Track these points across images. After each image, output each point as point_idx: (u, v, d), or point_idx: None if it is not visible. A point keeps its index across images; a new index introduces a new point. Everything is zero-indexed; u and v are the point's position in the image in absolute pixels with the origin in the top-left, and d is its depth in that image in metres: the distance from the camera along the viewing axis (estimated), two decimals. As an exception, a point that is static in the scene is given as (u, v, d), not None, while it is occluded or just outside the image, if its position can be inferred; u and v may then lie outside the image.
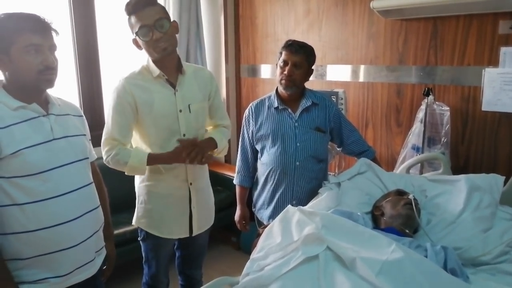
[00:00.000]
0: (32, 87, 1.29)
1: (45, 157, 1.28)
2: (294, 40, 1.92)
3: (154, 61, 1.66)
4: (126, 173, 1.72)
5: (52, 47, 1.30)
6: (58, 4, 2.66)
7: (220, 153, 1.84)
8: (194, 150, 1.63)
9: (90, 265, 1.43)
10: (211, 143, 1.76)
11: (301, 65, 1.87)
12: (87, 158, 1.46)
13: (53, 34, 1.30)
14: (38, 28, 1.25)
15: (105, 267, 1.58)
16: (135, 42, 1.64)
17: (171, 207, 1.76)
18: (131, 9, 1.57)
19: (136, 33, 1.57)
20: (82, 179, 1.41)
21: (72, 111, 1.47)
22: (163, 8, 1.63)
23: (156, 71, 1.65)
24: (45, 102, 1.36)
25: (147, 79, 1.66)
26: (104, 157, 1.67)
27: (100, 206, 1.50)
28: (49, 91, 1.38)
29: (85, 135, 1.48)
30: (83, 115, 1.53)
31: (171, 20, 1.63)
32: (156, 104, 1.65)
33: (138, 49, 1.66)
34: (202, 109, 1.78)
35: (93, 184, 1.48)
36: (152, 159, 1.66)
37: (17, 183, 1.25)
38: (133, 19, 1.58)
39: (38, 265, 1.30)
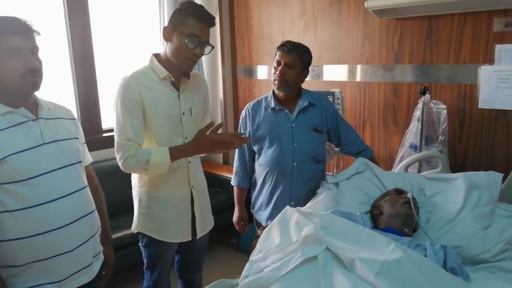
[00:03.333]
0: (17, 92, 1.25)
1: (34, 162, 1.25)
2: (289, 41, 1.91)
3: (161, 62, 1.65)
4: (146, 174, 1.66)
5: (34, 49, 1.25)
6: (53, 9, 2.65)
7: None
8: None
9: (87, 270, 1.41)
10: None
11: (293, 65, 1.87)
12: (80, 161, 1.43)
13: (35, 35, 1.26)
14: (18, 30, 1.21)
15: (104, 272, 1.56)
16: (167, 31, 1.62)
17: (173, 210, 1.75)
18: (199, 15, 1.59)
19: (186, 35, 1.56)
20: (75, 183, 1.37)
21: (63, 114, 1.43)
22: None
23: (163, 72, 1.64)
24: (34, 106, 1.32)
25: (152, 80, 1.64)
26: (120, 161, 1.59)
27: (96, 210, 1.47)
28: (38, 94, 1.33)
29: (77, 138, 1.45)
30: (75, 118, 1.49)
31: None
32: (162, 105, 1.64)
33: (164, 38, 1.64)
34: (200, 113, 1.81)
35: (88, 188, 1.44)
36: (174, 153, 1.61)
37: (7, 190, 1.22)
38: (191, 21, 1.58)
39: (33, 272, 1.28)
